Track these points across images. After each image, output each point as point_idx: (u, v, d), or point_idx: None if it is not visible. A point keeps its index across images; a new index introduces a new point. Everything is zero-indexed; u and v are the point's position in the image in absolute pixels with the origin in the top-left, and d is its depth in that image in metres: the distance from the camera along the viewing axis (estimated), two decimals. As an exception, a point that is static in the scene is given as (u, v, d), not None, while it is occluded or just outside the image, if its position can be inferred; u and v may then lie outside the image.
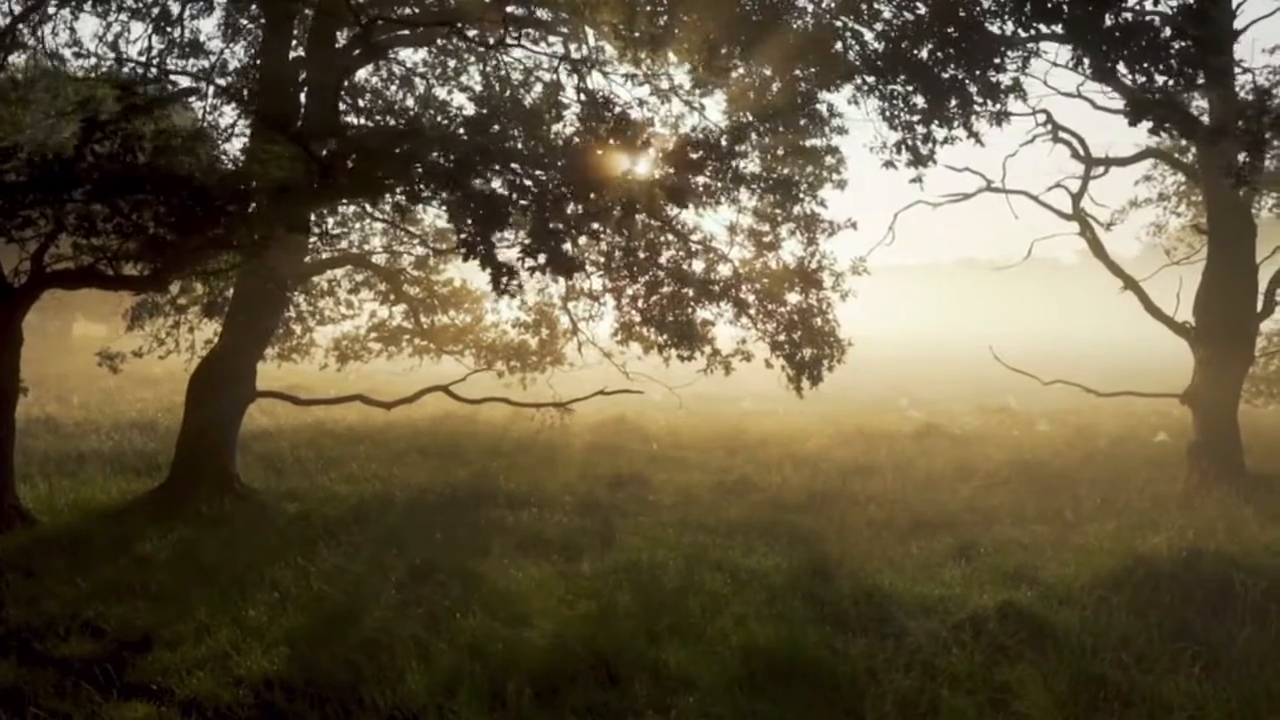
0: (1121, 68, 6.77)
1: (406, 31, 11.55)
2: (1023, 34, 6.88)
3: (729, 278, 11.84)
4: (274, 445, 14.93)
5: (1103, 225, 12.66)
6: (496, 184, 6.75)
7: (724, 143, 10.45)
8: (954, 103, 7.78)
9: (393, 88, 15.23)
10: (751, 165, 11.40)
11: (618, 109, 11.19)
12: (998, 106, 7.78)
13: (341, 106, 13.43)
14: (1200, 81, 6.96)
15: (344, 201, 5.79)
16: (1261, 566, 7.06)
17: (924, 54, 7.59)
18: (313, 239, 14.56)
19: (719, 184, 11.29)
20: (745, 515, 10.76)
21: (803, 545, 9.20)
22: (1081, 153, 13.19)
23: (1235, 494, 10.39)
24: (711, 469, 13.65)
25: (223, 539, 9.18)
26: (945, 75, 7.75)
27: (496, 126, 9.15)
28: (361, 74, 14.65)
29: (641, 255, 11.49)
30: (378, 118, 13.63)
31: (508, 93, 13.90)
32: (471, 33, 11.13)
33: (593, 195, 8.75)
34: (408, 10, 12.35)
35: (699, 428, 17.45)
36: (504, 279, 5.98)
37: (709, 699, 5.51)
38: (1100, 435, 16.13)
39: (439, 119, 11.68)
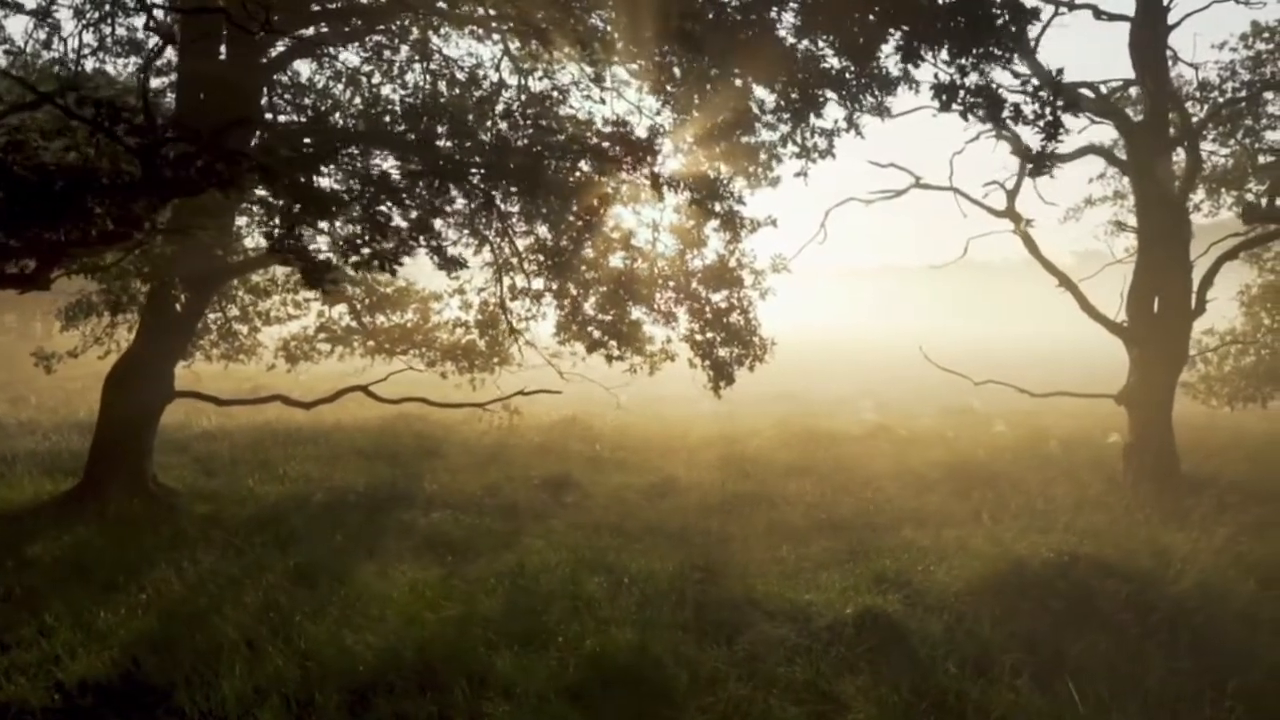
0: (939, 50, 6.55)
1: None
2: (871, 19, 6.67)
3: (653, 275, 11.67)
4: (215, 446, 14.85)
5: (1027, 222, 12.35)
6: (335, 178, 6.64)
7: (646, 138, 10.29)
8: (838, 94, 7.58)
9: (338, 86, 15.19)
10: (675, 162, 11.26)
11: (543, 104, 11.11)
12: (882, 97, 7.57)
13: (282, 104, 13.39)
14: (1005, 61, 6.71)
15: (177, 197, 5.62)
16: (1135, 573, 6.83)
17: (804, 44, 7.39)
18: (252, 237, 14.61)
19: (642, 180, 11.16)
20: (661, 518, 10.59)
21: (701, 549, 9.02)
22: (1020, 149, 12.91)
23: (1155, 496, 10.09)
24: (646, 471, 13.47)
25: (116, 540, 9.08)
26: (827, 66, 7.56)
27: (426, 120, 9.02)
28: (305, 72, 14.60)
29: (569, 253, 11.38)
30: (311, 114, 13.52)
31: (456, 90, 13.79)
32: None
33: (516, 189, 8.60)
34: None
35: (647, 429, 17.26)
36: (319, 274, 5.85)
37: (524, 708, 5.35)
38: (1052, 437, 15.83)
39: (383, 116, 11.55)
